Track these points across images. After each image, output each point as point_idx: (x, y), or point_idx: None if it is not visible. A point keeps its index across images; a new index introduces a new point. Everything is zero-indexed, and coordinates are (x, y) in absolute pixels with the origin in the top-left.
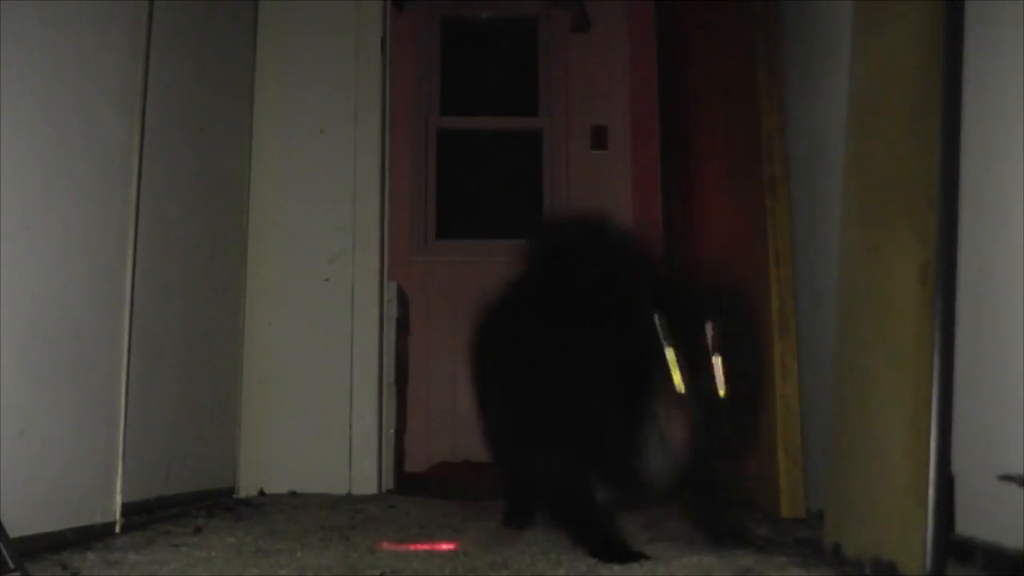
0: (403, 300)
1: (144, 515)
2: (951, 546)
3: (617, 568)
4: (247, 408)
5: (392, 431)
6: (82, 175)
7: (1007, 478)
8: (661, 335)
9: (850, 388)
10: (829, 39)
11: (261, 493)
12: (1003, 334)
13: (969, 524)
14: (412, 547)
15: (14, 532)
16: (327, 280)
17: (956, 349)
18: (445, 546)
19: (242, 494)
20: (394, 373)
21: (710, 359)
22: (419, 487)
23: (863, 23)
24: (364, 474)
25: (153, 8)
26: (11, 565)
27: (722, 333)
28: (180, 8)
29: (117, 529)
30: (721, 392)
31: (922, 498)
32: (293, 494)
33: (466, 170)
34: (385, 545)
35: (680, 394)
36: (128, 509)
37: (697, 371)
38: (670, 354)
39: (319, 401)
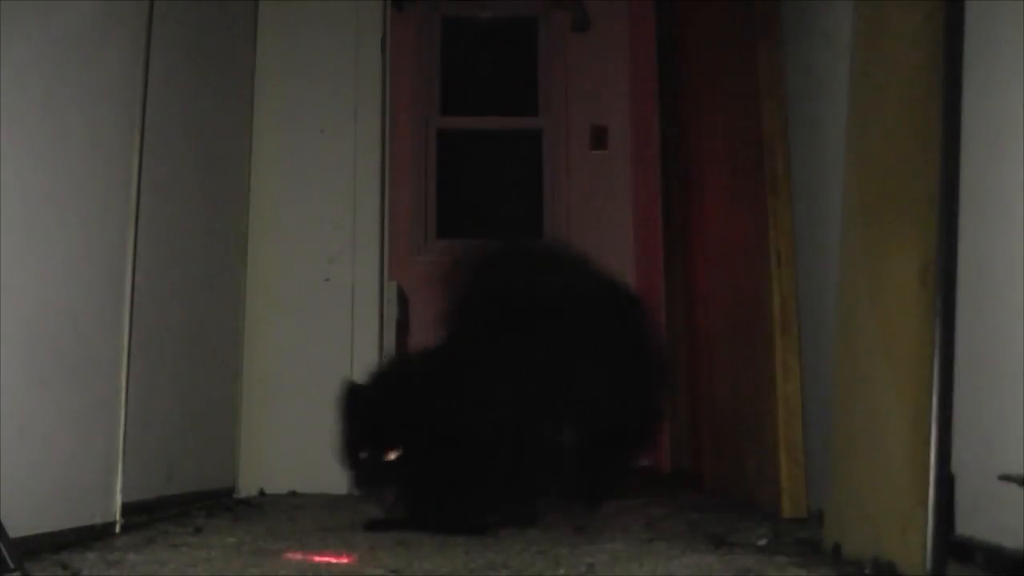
0: (403, 300)
1: (144, 515)
2: (951, 546)
3: (617, 569)
4: (247, 408)
5: None
6: (82, 175)
7: (1007, 478)
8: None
9: (850, 388)
10: (829, 39)
11: (261, 493)
12: (1003, 335)
13: (969, 524)
14: (315, 558)
15: (14, 532)
16: (327, 280)
17: (956, 349)
18: (344, 559)
19: (242, 494)
20: None
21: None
22: None
23: (863, 23)
24: None
25: (153, 8)
26: (11, 565)
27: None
28: (180, 8)
29: (117, 529)
30: None
31: (922, 498)
32: (293, 494)
33: (466, 170)
34: (289, 555)
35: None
36: (128, 509)
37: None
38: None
39: (319, 401)
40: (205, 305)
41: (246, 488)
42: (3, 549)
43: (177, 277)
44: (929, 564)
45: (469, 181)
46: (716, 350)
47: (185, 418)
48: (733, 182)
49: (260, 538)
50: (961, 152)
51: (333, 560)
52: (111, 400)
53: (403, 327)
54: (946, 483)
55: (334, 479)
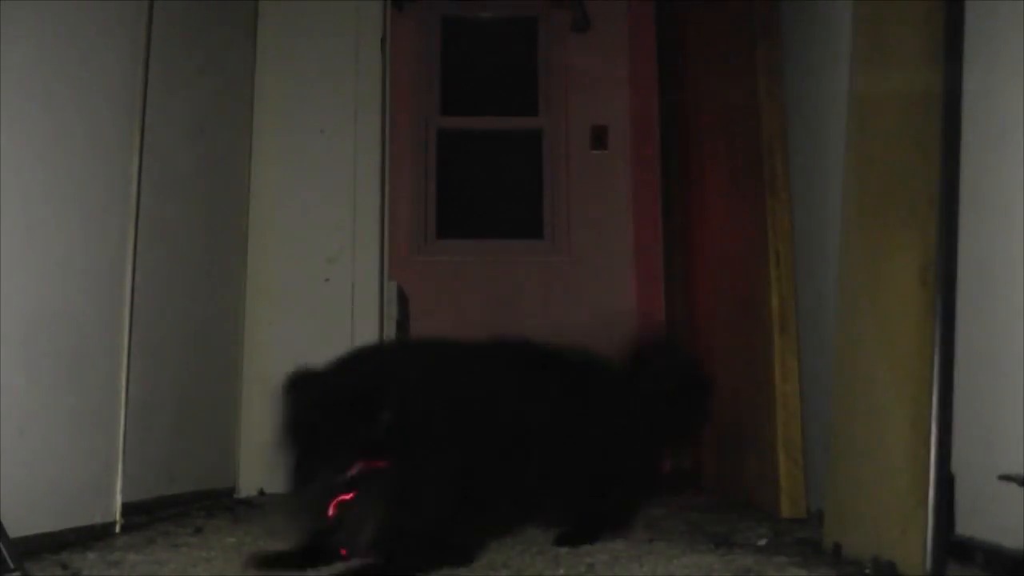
0: (403, 300)
1: (144, 515)
2: (951, 546)
3: (617, 569)
4: (247, 408)
5: None
6: (82, 175)
7: (1007, 478)
8: None
9: (850, 388)
10: (829, 39)
11: (261, 493)
12: (1003, 334)
13: (969, 524)
14: None
15: (14, 532)
16: (327, 280)
17: (956, 349)
18: None
19: (242, 494)
20: None
21: None
22: None
23: (863, 23)
24: None
25: (153, 8)
26: (11, 565)
27: None
28: (180, 8)
29: (117, 529)
30: None
31: (922, 498)
32: None
33: (466, 170)
34: None
35: None
36: (128, 509)
37: None
38: None
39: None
40: (205, 305)
41: (246, 488)
42: (3, 549)
43: (177, 277)
44: (929, 564)
45: (469, 181)
46: (716, 350)
47: (185, 418)
48: (733, 182)
49: (260, 538)
50: (961, 152)
51: None
52: (111, 400)
53: (403, 327)
54: (946, 483)
55: None
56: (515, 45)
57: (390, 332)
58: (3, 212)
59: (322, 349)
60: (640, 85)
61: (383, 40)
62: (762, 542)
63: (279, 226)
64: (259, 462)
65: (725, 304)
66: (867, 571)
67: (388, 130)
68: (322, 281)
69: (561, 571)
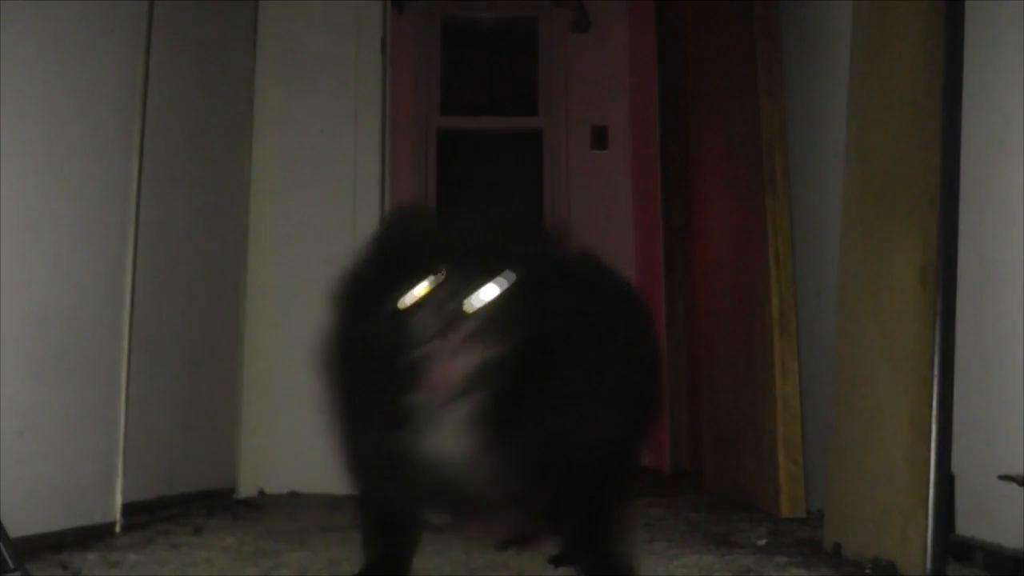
0: None
1: (144, 515)
2: (951, 546)
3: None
4: (247, 408)
5: None
6: (82, 175)
7: (1007, 478)
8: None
9: (850, 388)
10: (829, 39)
11: (261, 493)
12: (1003, 335)
13: (969, 524)
14: None
15: (14, 532)
16: (327, 280)
17: (956, 349)
18: None
19: (242, 494)
20: None
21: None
22: None
23: (863, 23)
24: None
25: (153, 8)
26: (11, 565)
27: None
28: (180, 8)
29: (117, 529)
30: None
31: (922, 498)
32: (293, 494)
33: (466, 170)
34: None
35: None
36: (128, 509)
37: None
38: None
39: (319, 401)
40: (205, 305)
41: (246, 488)
42: (3, 549)
43: (177, 277)
44: (929, 564)
45: (469, 181)
46: (716, 350)
47: (185, 418)
48: (733, 182)
49: (260, 538)
50: (961, 152)
51: None
52: (111, 400)
53: None
54: (946, 483)
55: (334, 479)
56: (515, 45)
57: None
58: (3, 212)
59: None
60: (640, 85)
61: (383, 40)
62: (762, 542)
63: (279, 226)
64: (259, 462)
65: (725, 304)
66: (867, 571)
67: (388, 130)
68: (322, 281)
69: (561, 571)
